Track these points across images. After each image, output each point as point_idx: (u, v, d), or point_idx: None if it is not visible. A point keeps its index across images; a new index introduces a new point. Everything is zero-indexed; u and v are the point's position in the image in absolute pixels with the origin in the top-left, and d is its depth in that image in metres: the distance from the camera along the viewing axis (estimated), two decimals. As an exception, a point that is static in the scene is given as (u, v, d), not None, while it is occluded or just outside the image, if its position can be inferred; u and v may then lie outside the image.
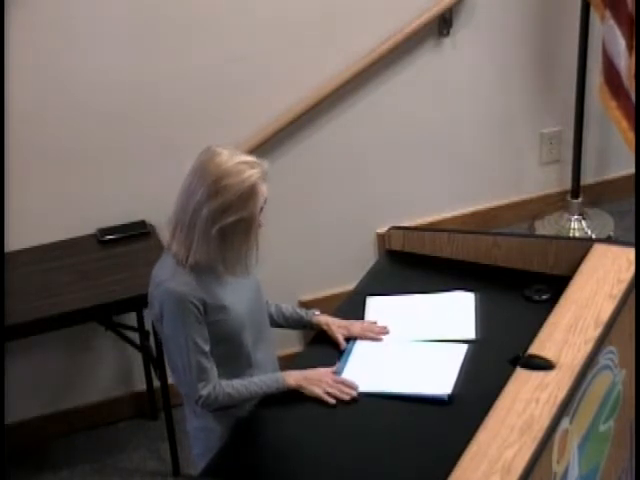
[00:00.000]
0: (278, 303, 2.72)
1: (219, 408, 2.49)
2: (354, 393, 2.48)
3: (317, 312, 2.75)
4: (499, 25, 3.85)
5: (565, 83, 3.99)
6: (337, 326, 2.69)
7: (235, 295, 2.47)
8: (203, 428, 2.57)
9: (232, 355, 2.49)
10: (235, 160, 2.34)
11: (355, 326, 2.70)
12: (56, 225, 3.46)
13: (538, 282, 2.78)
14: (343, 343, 2.66)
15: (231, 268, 2.42)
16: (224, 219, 2.33)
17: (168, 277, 2.40)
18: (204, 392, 2.44)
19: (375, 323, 2.73)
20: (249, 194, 2.33)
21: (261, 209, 2.39)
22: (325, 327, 2.69)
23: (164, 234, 3.46)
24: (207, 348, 2.42)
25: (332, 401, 2.45)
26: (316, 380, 2.49)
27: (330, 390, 2.47)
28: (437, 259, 2.95)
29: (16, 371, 3.52)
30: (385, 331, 2.70)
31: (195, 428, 2.60)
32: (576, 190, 4.14)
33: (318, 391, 2.47)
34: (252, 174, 2.33)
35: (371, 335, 2.69)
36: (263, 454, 2.40)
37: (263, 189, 2.36)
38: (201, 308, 2.39)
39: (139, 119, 3.45)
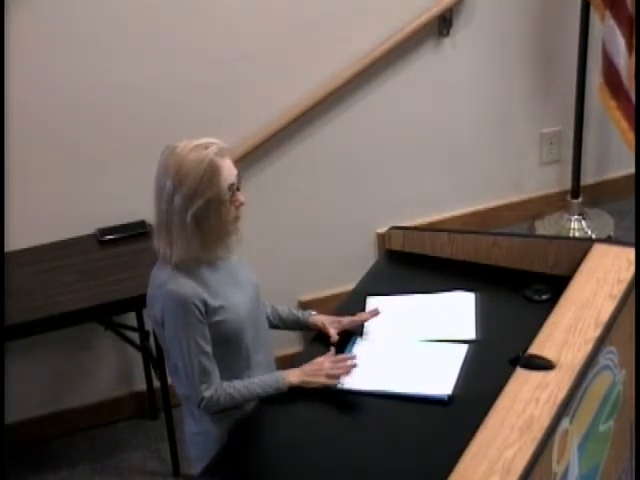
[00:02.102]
0: (274, 304, 2.72)
1: (220, 410, 2.49)
2: (354, 362, 2.50)
3: (313, 312, 2.75)
4: (499, 25, 3.85)
5: (565, 83, 3.99)
6: (329, 322, 2.70)
7: (235, 296, 2.47)
8: (201, 432, 2.56)
9: (231, 356, 2.48)
10: (190, 146, 2.38)
11: (345, 318, 2.72)
12: (56, 225, 3.46)
13: (538, 282, 2.78)
14: (334, 335, 2.66)
15: (213, 252, 2.43)
16: (194, 204, 2.35)
17: (168, 279, 2.40)
18: (207, 394, 2.44)
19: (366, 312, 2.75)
20: (210, 173, 2.35)
21: (237, 187, 2.40)
22: (321, 325, 2.70)
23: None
24: (209, 349, 2.43)
25: (336, 381, 2.48)
26: (316, 370, 2.50)
27: (331, 372, 2.48)
28: (437, 259, 2.94)
29: (16, 371, 3.53)
30: (375, 313, 2.71)
31: (193, 433, 2.59)
32: (576, 190, 4.14)
33: (322, 380, 2.48)
34: (207, 153, 2.36)
35: (361, 319, 2.70)
36: (262, 455, 2.40)
37: (224, 164, 2.38)
38: (202, 309, 2.39)
39: (139, 119, 3.45)
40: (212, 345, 2.43)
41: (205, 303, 2.40)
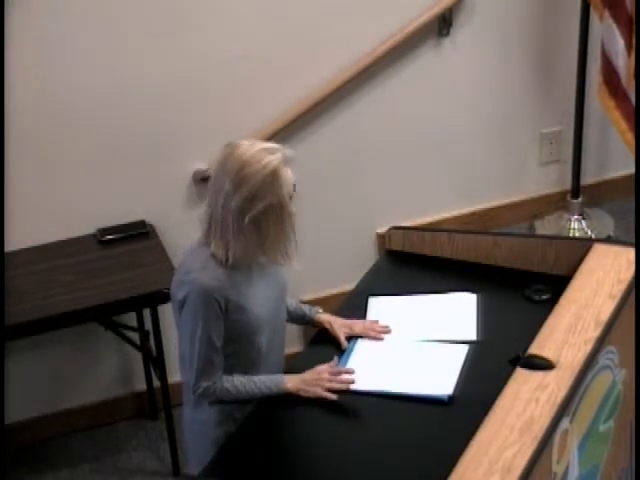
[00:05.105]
0: None
1: (215, 401, 2.50)
2: (352, 378, 2.48)
3: (320, 310, 2.75)
4: (499, 25, 3.85)
5: (565, 83, 3.99)
6: (339, 325, 2.70)
7: (260, 297, 2.47)
8: (196, 420, 2.57)
9: (242, 354, 2.49)
10: (254, 149, 2.35)
11: (357, 325, 2.71)
12: (56, 225, 3.46)
13: (538, 282, 2.78)
14: (345, 342, 2.66)
15: (272, 257, 2.43)
16: (253, 208, 2.34)
17: (199, 268, 2.40)
18: (204, 384, 2.45)
19: (377, 322, 2.73)
20: (272, 179, 2.33)
21: (291, 196, 2.39)
22: (327, 325, 2.70)
23: (164, 234, 3.49)
24: (220, 344, 2.43)
25: (333, 397, 2.46)
26: (314, 380, 2.49)
27: (328, 385, 2.47)
28: (437, 259, 2.94)
29: (16, 371, 3.52)
30: (387, 330, 2.71)
31: (190, 419, 2.61)
32: (576, 190, 4.14)
33: (318, 391, 2.47)
34: (272, 159, 2.34)
35: (373, 334, 2.69)
36: (262, 455, 2.40)
37: (287, 173, 2.37)
38: (223, 306, 2.39)
39: (140, 119, 3.44)
40: (225, 340, 2.44)
41: (227, 300, 2.39)
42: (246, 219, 2.34)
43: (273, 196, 2.34)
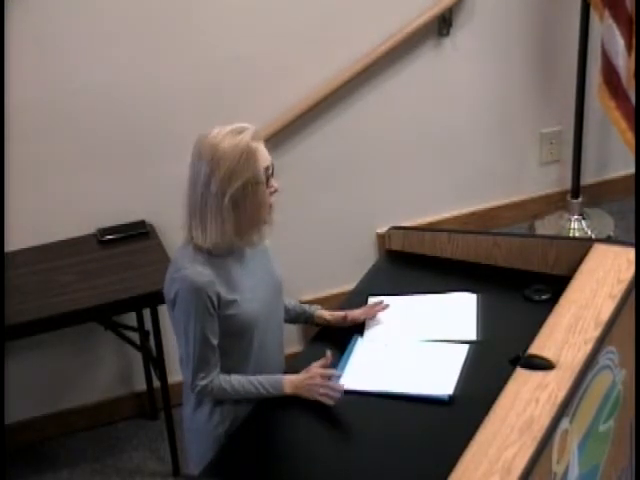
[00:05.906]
0: None
1: (213, 399, 2.51)
2: (338, 395, 2.46)
3: (320, 307, 2.76)
4: (499, 25, 3.85)
5: (565, 83, 3.99)
6: (339, 314, 2.73)
7: (252, 291, 2.47)
8: (196, 420, 2.57)
9: (239, 350, 2.49)
10: (224, 132, 2.42)
11: (356, 310, 2.74)
12: (56, 225, 3.46)
13: (538, 282, 2.78)
14: (348, 315, 2.69)
15: (247, 238, 2.45)
16: (232, 186, 2.36)
17: (188, 264, 2.41)
18: (201, 382, 2.45)
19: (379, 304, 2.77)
20: (247, 154, 2.38)
21: (270, 173, 2.42)
22: (329, 317, 2.71)
23: (164, 234, 3.49)
24: (215, 341, 2.43)
25: (330, 402, 2.45)
26: (308, 385, 2.48)
27: (322, 391, 2.47)
28: (437, 259, 2.95)
29: (16, 371, 3.52)
30: (384, 307, 2.74)
31: (190, 419, 2.61)
32: (576, 190, 4.14)
33: (316, 396, 2.47)
34: (242, 137, 2.40)
35: (373, 312, 2.73)
36: (262, 455, 2.40)
37: (259, 147, 2.41)
38: (215, 302, 2.40)
39: (139, 119, 3.45)
40: (221, 337, 2.44)
41: (218, 296, 2.40)
42: (226, 199, 2.36)
43: (249, 171, 2.38)
